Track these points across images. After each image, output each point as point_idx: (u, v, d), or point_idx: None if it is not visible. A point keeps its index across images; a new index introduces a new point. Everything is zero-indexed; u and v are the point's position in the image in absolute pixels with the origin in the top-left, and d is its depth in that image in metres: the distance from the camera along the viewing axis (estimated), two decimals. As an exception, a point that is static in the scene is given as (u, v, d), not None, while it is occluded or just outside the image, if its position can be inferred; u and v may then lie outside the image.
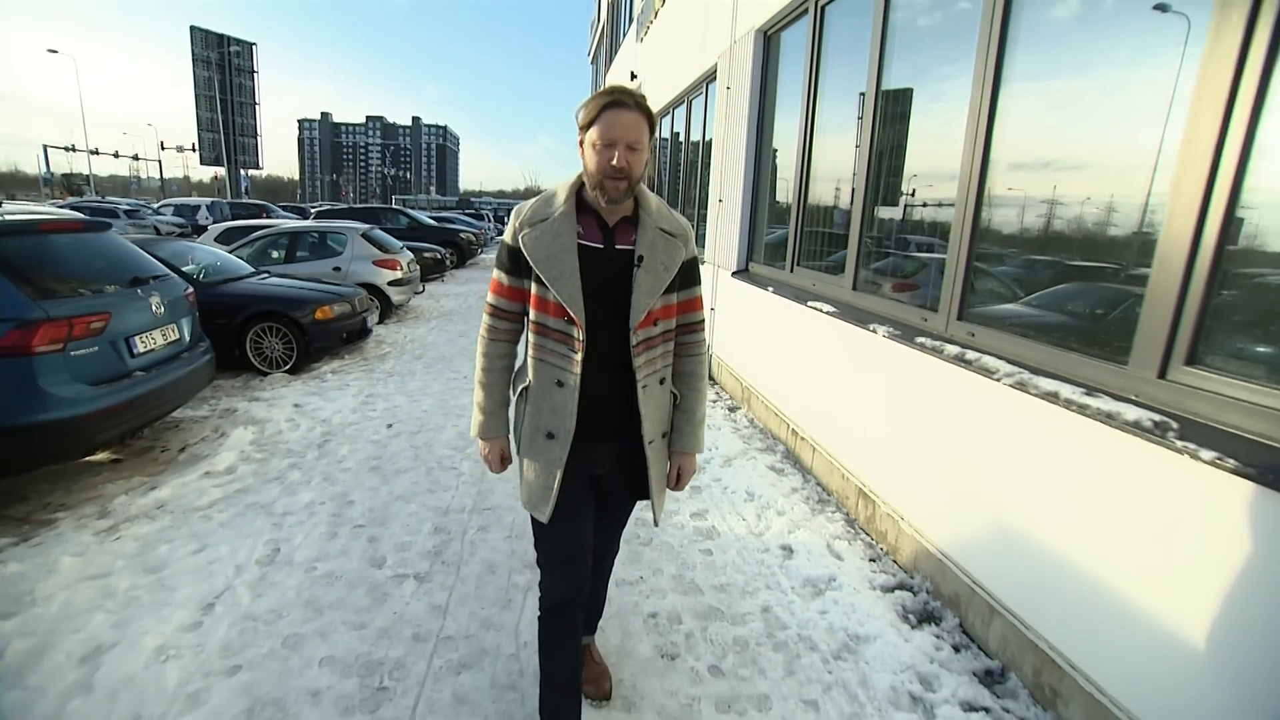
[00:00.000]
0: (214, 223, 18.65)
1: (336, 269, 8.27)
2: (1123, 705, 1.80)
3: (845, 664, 2.26)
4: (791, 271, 4.50)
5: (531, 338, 1.61)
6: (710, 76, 6.52)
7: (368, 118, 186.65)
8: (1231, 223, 1.66)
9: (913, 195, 3.27)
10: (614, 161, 1.44)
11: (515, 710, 1.99)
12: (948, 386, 2.58)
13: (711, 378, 5.65)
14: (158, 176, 55.84)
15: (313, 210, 18.46)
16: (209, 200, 24.73)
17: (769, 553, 2.96)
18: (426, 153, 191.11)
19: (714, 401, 5.10)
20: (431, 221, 17.58)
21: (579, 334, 1.52)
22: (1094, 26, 2.25)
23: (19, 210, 3.62)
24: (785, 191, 4.77)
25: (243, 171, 41.31)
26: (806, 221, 4.40)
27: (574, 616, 1.72)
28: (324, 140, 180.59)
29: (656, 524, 1.81)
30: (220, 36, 38.25)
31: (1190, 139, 1.72)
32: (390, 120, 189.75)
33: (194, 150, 42.98)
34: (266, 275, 6.81)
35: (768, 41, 5.07)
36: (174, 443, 4.12)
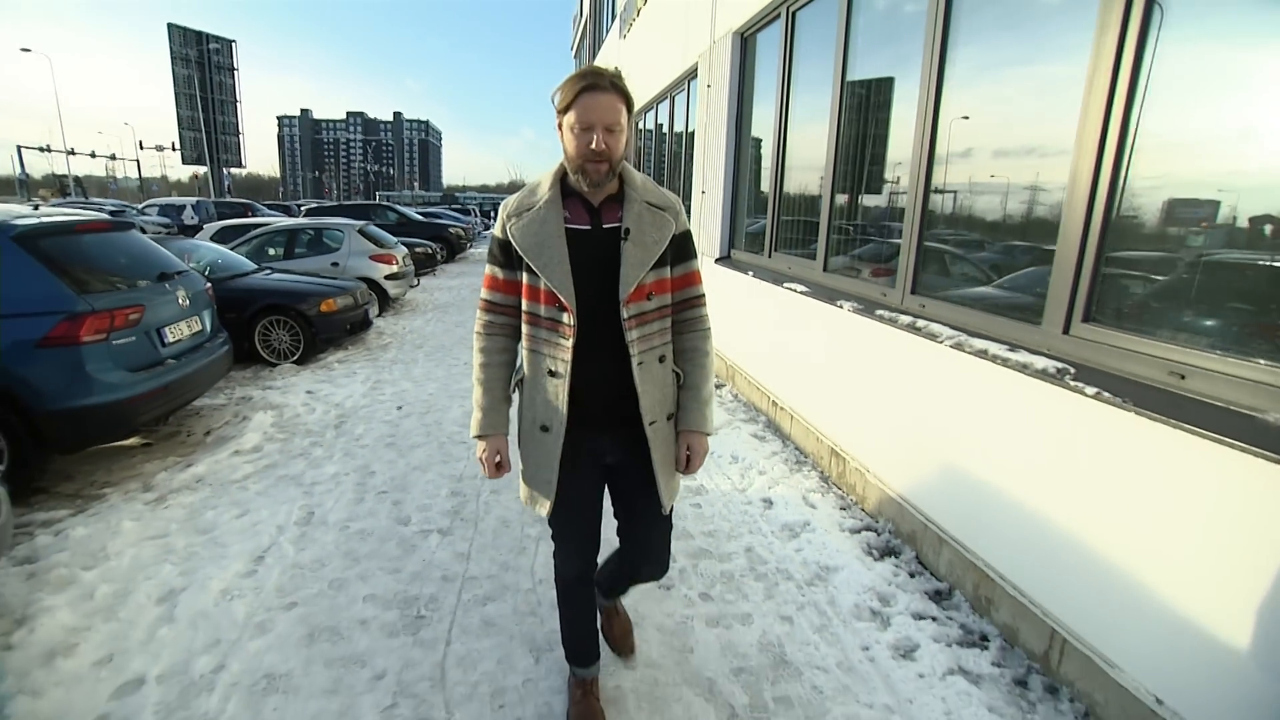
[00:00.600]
0: (199, 222, 18.73)
1: (335, 264, 8.54)
2: (1038, 603, 2.19)
3: (816, 589, 2.64)
4: (770, 257, 4.87)
5: (525, 329, 1.61)
6: (692, 74, 6.85)
7: (348, 114, 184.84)
8: (1114, 207, 2.03)
9: (874, 185, 3.64)
10: (593, 145, 1.43)
11: (535, 630, 2.35)
12: (902, 352, 2.95)
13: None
14: (135, 176, 55.20)
15: (302, 208, 18.61)
16: (194, 200, 24.68)
17: (751, 504, 3.33)
18: (409, 148, 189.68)
19: (701, 380, 5.47)
20: (419, 217, 17.80)
21: (569, 319, 1.51)
22: (1039, 22, 2.62)
23: (55, 212, 3.89)
24: (763, 182, 5.13)
25: (226, 170, 41.05)
26: (782, 210, 4.77)
27: (588, 585, 1.86)
28: (304, 137, 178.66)
29: (664, 509, 1.70)
30: (199, 34, 37.91)
31: (1082, 134, 2.09)
32: (371, 116, 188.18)
33: (174, 149, 42.61)
34: (270, 271, 7.08)
35: (745, 43, 5.41)
36: (199, 427, 4.42)
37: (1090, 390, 1.96)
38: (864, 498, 3.31)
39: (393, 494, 3.41)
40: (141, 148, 48.48)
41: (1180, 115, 1.91)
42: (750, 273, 4.89)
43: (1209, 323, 1.89)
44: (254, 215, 20.32)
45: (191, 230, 12.47)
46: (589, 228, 1.55)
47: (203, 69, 38.23)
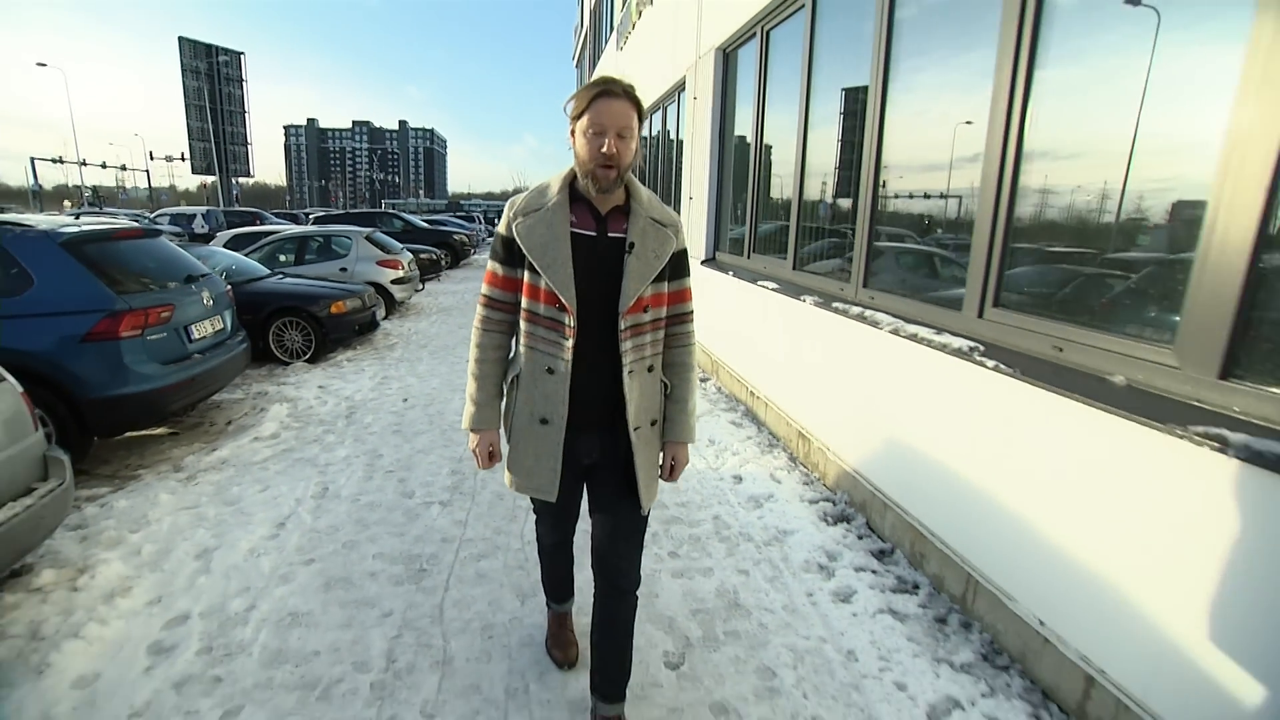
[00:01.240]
0: (209, 230, 19.21)
1: (343, 269, 8.94)
2: (959, 553, 2.53)
3: (772, 548, 2.98)
4: (748, 258, 5.22)
5: (523, 325, 1.63)
6: (680, 87, 7.22)
7: (354, 122, 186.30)
8: (1014, 207, 2.38)
9: (839, 190, 3.99)
10: (604, 149, 1.47)
11: (522, 581, 2.69)
12: (854, 339, 3.30)
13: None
14: (144, 186, 56.11)
15: (310, 216, 19.09)
16: (204, 209, 25.26)
17: (723, 481, 3.67)
18: (414, 156, 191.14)
19: (688, 375, 5.82)
20: (425, 224, 18.24)
21: (570, 320, 1.54)
22: (958, 45, 2.97)
23: (93, 221, 4.28)
24: (744, 188, 5.49)
25: (234, 180, 41.80)
26: (760, 214, 5.12)
27: (567, 550, 2.12)
28: (310, 146, 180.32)
29: (643, 512, 1.74)
30: (209, 47, 38.74)
31: (989, 145, 2.44)
32: (377, 125, 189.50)
33: (183, 160, 43.43)
34: (282, 276, 7.48)
35: (726, 58, 5.79)
36: (220, 419, 4.80)
37: (990, 364, 2.30)
38: (825, 474, 3.64)
39: (398, 473, 3.77)
40: (152, 158, 49.40)
41: (1059, 131, 2.26)
42: (731, 273, 5.25)
43: (1080, 304, 2.24)
44: (262, 224, 20.83)
45: (202, 238, 12.92)
46: (594, 234, 1.59)
47: (212, 81, 39.05)
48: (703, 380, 5.74)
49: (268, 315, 6.43)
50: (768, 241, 5.00)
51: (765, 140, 5.01)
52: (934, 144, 3.06)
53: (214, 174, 39.87)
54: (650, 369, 1.68)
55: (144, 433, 4.39)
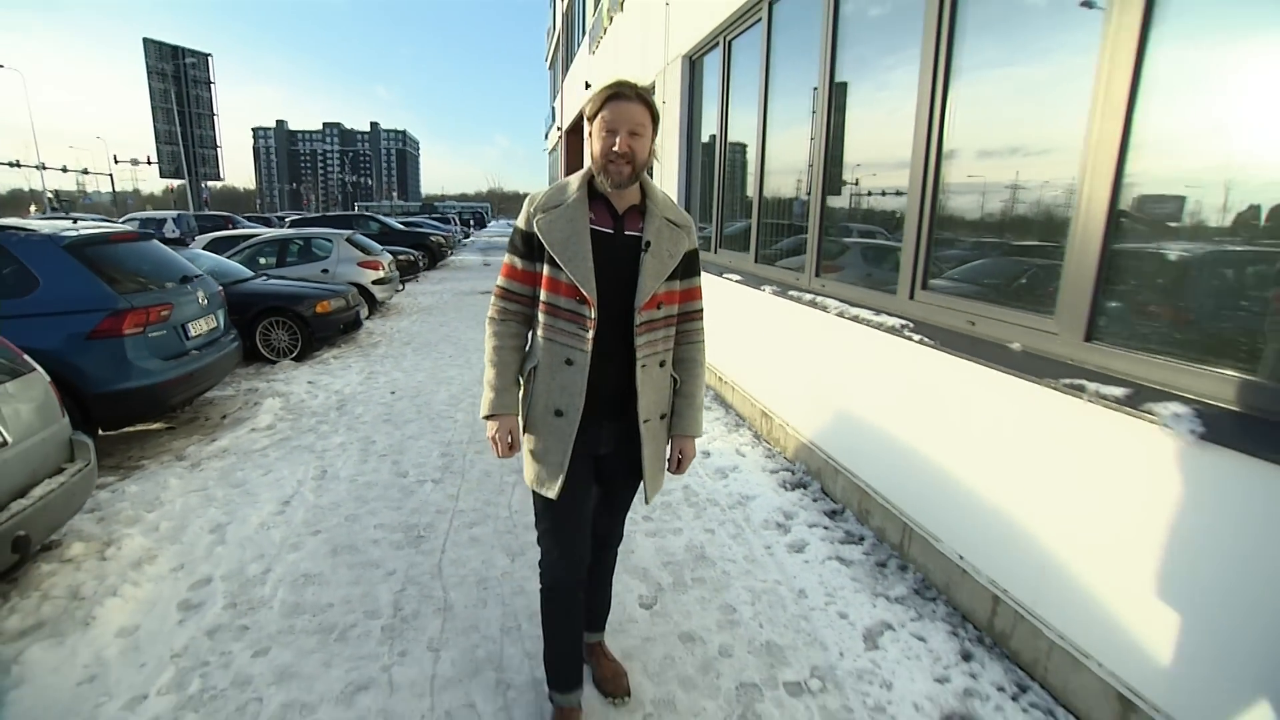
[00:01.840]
0: (180, 235, 19.05)
1: (324, 271, 9.11)
2: (897, 506, 2.89)
3: (736, 511, 3.32)
4: (715, 253, 5.57)
5: (541, 318, 1.66)
6: (650, 91, 7.55)
7: (325, 124, 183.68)
8: (937, 201, 2.74)
9: (795, 188, 4.34)
10: (616, 146, 1.53)
11: (511, 543, 2.99)
12: (807, 323, 3.65)
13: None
14: (107, 190, 54.79)
15: (286, 220, 19.05)
16: (175, 213, 24.94)
17: (693, 456, 4.01)
18: (386, 158, 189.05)
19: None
20: (401, 226, 18.32)
21: (591, 312, 1.59)
22: (891, 52, 3.33)
23: (90, 225, 4.47)
24: (711, 189, 5.83)
25: (204, 184, 41.18)
26: (725, 211, 5.47)
27: (573, 593, 1.82)
28: (280, 148, 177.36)
29: (647, 501, 1.82)
30: (174, 48, 38.10)
31: (914, 149, 2.80)
32: (348, 126, 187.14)
33: (149, 163, 42.60)
34: (266, 278, 7.65)
35: (692, 65, 6.13)
36: (215, 413, 5.01)
37: (916, 338, 2.66)
38: (785, 447, 4.00)
39: (391, 456, 4.04)
40: (116, 161, 48.37)
41: (972, 135, 2.62)
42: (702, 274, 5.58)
43: (988, 285, 2.61)
44: (234, 227, 20.68)
45: (174, 243, 12.89)
46: (611, 231, 1.64)
47: (179, 83, 38.40)
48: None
49: (254, 315, 6.61)
50: (732, 238, 5.35)
51: (729, 143, 5.36)
52: (877, 145, 3.43)
53: (183, 177, 39.22)
54: (662, 364, 1.73)
55: (143, 428, 4.59)
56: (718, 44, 5.37)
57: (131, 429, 4.50)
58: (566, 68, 18.44)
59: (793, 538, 3.03)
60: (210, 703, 2.00)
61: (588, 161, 1.65)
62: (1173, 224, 1.88)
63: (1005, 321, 2.37)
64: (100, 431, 4.06)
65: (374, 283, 9.41)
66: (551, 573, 1.81)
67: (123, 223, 24.06)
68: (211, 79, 40.29)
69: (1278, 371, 1.57)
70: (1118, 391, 1.82)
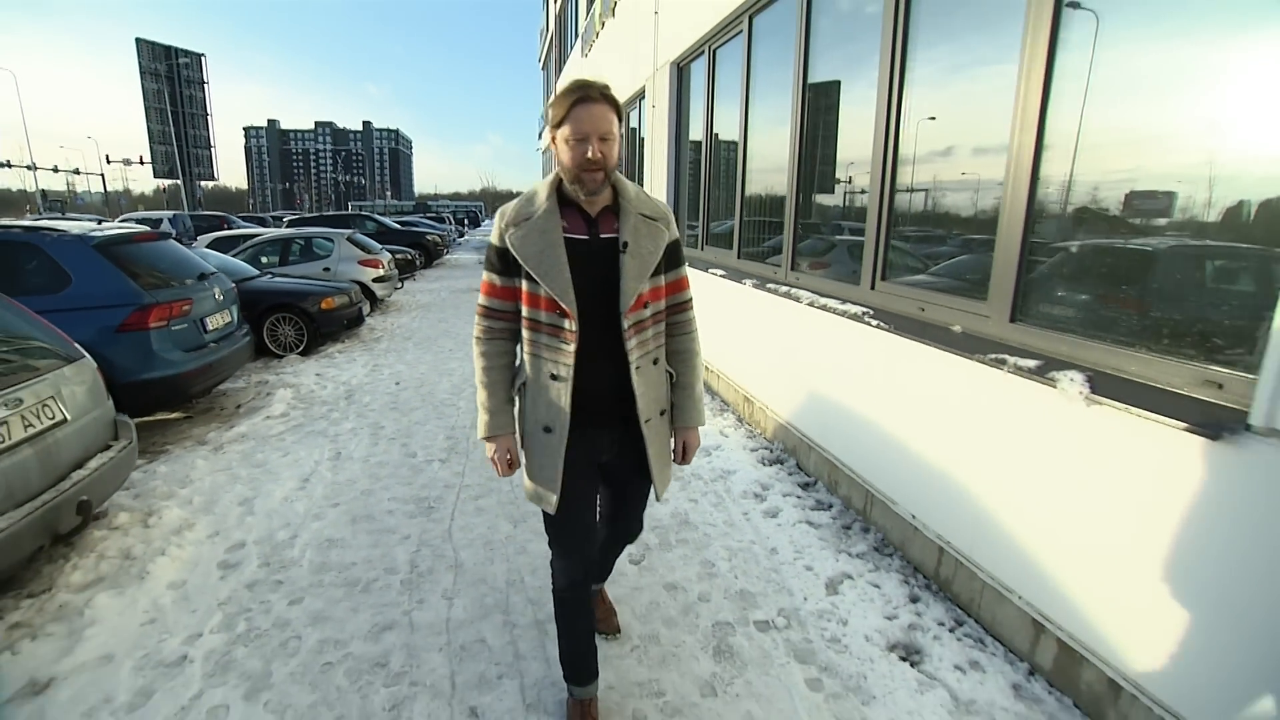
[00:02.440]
0: (177, 235, 19.25)
1: (326, 269, 9.39)
2: (862, 476, 3.21)
3: (718, 483, 3.64)
4: (702, 250, 5.89)
5: (525, 334, 1.65)
6: (641, 95, 7.86)
7: (317, 123, 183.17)
8: (894, 201, 3.07)
9: (776, 188, 4.66)
10: (589, 155, 1.48)
11: (514, 512, 3.31)
12: (783, 313, 3.98)
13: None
14: (98, 190, 54.62)
15: (284, 220, 19.26)
16: (171, 214, 25.08)
17: (680, 437, 4.33)
18: (379, 157, 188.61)
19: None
20: (397, 226, 18.57)
21: (571, 325, 1.56)
22: (857, 66, 3.65)
23: (113, 226, 4.75)
24: (698, 188, 6.15)
25: (198, 183, 41.23)
26: (710, 210, 5.79)
27: (585, 592, 1.86)
28: (272, 148, 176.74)
29: (658, 499, 1.84)
30: (167, 48, 38.07)
31: (874, 150, 3.12)
32: (340, 125, 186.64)
33: (142, 163, 42.60)
34: (271, 276, 7.93)
35: (680, 71, 6.44)
36: (229, 404, 5.30)
37: (874, 323, 2.99)
38: (765, 428, 4.33)
39: (400, 439, 4.35)
40: (109, 161, 48.26)
41: (926, 136, 2.95)
42: (687, 263, 5.90)
43: (933, 272, 2.94)
44: (229, 227, 20.88)
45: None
46: (586, 238, 1.60)
47: (172, 83, 38.37)
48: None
49: (262, 312, 6.89)
50: (718, 235, 5.67)
51: (714, 145, 5.67)
52: (844, 148, 3.75)
53: (177, 177, 39.27)
54: (655, 361, 1.71)
55: (163, 417, 4.88)
56: (703, 52, 5.68)
57: (152, 418, 4.79)
58: (559, 69, 18.71)
59: (768, 505, 3.36)
60: (256, 640, 2.31)
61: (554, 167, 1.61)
62: (1074, 220, 2.21)
63: (949, 307, 2.70)
64: (127, 419, 4.35)
65: (374, 280, 9.69)
66: (561, 578, 1.83)
67: (119, 223, 24.31)
68: (205, 79, 40.31)
69: (1146, 343, 1.90)
70: (1031, 363, 2.15)
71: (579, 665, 1.92)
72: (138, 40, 36.27)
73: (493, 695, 2.06)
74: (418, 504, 3.40)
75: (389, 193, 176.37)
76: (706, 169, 5.78)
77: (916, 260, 3.11)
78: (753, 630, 2.41)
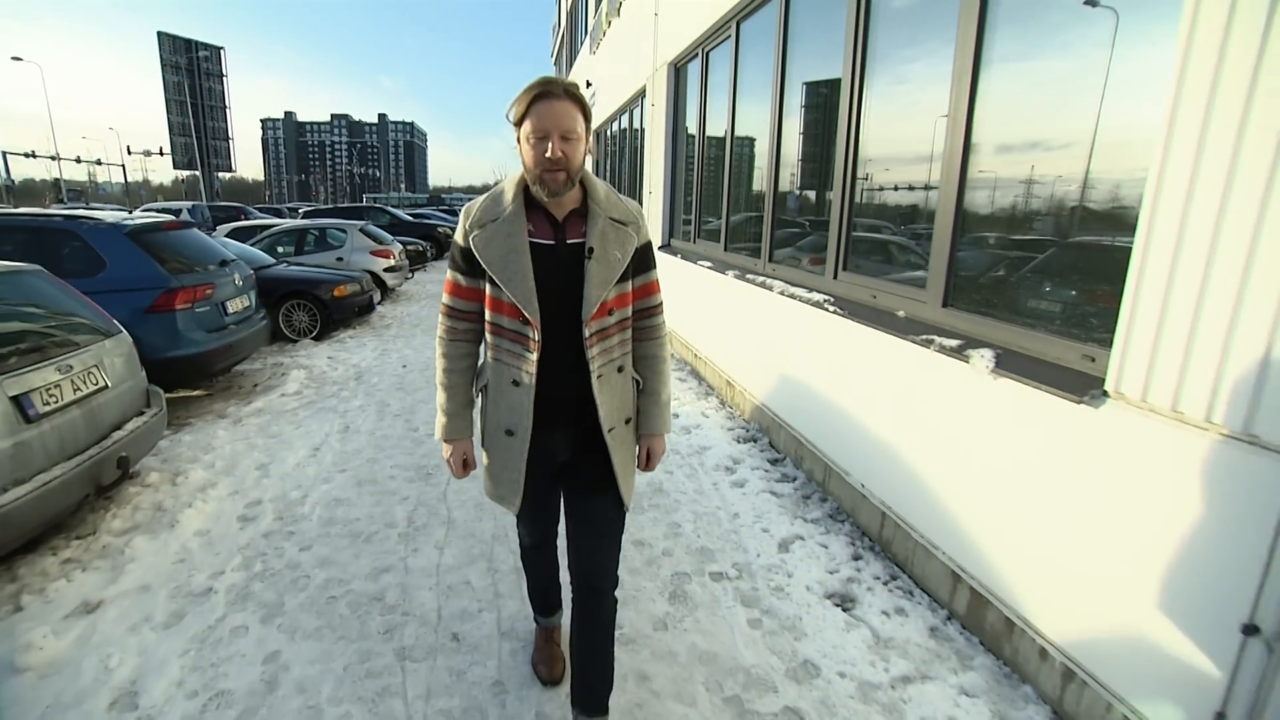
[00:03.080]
0: (196, 225, 19.75)
1: (339, 259, 9.76)
2: (822, 450, 3.50)
3: (693, 458, 3.94)
4: (694, 243, 6.18)
5: (488, 338, 1.62)
6: (642, 94, 8.13)
7: (333, 116, 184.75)
8: (854, 199, 3.34)
9: (756, 184, 4.94)
10: (548, 154, 1.42)
11: (505, 480, 3.62)
12: (758, 301, 4.26)
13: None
14: (118, 181, 55.65)
15: (301, 211, 19.75)
16: (190, 204, 25.68)
17: (664, 417, 4.63)
18: (394, 149, 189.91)
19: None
20: (410, 218, 18.99)
21: (534, 334, 1.53)
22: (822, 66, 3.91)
23: (142, 215, 5.11)
24: (691, 184, 6.43)
25: (215, 175, 42.03)
26: (703, 205, 6.08)
27: (549, 549, 2.07)
28: (289, 140, 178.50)
29: (625, 506, 1.76)
30: (188, 42, 38.88)
31: (837, 151, 3.40)
32: (356, 118, 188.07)
33: (161, 154, 43.44)
34: (287, 264, 8.31)
35: (677, 72, 6.71)
36: (246, 383, 5.67)
37: (832, 309, 3.27)
38: (743, 410, 4.62)
39: (404, 416, 4.69)
40: (130, 152, 49.27)
41: (886, 138, 3.22)
42: (680, 255, 6.20)
43: (885, 265, 3.22)
44: (246, 218, 21.39)
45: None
46: (552, 243, 1.55)
47: (193, 76, 39.21)
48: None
49: (278, 298, 7.26)
50: (708, 229, 5.96)
51: (705, 143, 5.95)
52: (817, 147, 4.02)
53: (196, 168, 40.09)
54: (620, 369, 1.66)
55: (185, 394, 5.25)
56: (698, 54, 5.95)
57: (176, 394, 5.16)
58: (570, 64, 18.98)
59: (737, 477, 3.66)
60: (271, 577, 2.65)
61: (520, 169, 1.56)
62: (990, 219, 2.49)
63: (895, 295, 2.98)
64: (154, 393, 4.72)
65: (385, 270, 10.06)
66: (527, 538, 2.04)
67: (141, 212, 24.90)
68: (224, 72, 41.10)
69: (1044, 325, 2.18)
70: (954, 343, 2.43)
71: (545, 599, 2.15)
72: (159, 34, 37.00)
73: (473, 624, 2.38)
74: (417, 471, 3.73)
75: (403, 185, 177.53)
76: (699, 166, 6.06)
77: (870, 252, 3.38)
78: (707, 580, 2.71)
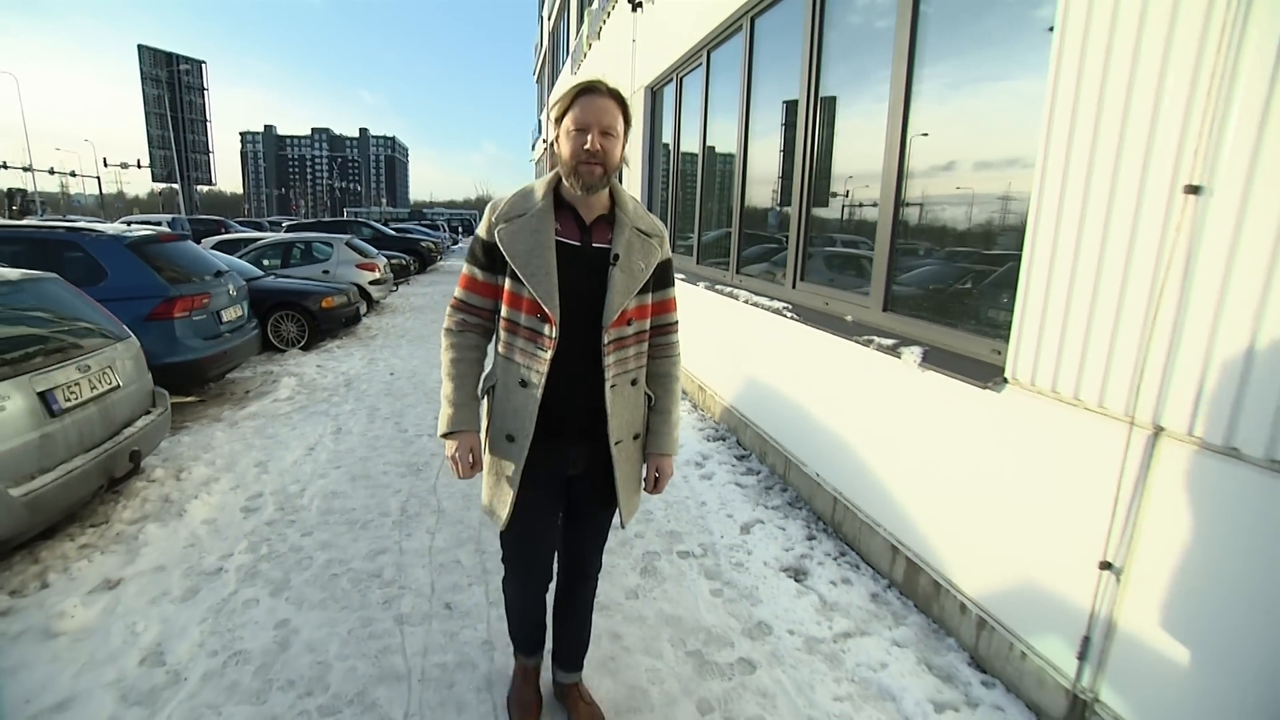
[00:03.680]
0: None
1: (325, 272, 9.96)
2: (785, 446, 3.82)
3: (667, 455, 4.24)
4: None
5: (501, 335, 1.59)
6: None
7: (313, 130, 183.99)
8: (812, 212, 3.70)
9: (726, 200, 5.29)
10: (587, 145, 1.43)
11: (490, 475, 3.89)
12: (726, 310, 4.60)
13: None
14: (92, 193, 55.01)
15: (283, 226, 19.82)
16: (170, 217, 25.61)
17: (640, 419, 4.93)
18: (375, 164, 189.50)
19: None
20: (393, 232, 19.20)
21: (551, 331, 1.50)
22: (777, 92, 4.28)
23: (139, 228, 5.32)
24: (666, 201, 6.79)
25: (195, 188, 41.83)
26: (678, 221, 6.43)
27: (538, 610, 1.88)
28: (269, 153, 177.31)
29: (623, 526, 1.77)
30: (169, 55, 38.81)
31: (797, 169, 3.75)
32: (337, 132, 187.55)
33: (140, 167, 43.16)
34: (274, 276, 8.50)
35: (654, 95, 7.10)
36: (238, 390, 5.86)
37: (790, 315, 3.61)
38: (714, 412, 4.93)
39: (394, 418, 4.94)
40: (106, 165, 48.79)
41: (841, 157, 3.58)
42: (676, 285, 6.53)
43: (836, 275, 3.57)
44: (227, 231, 21.44)
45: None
46: (578, 244, 1.55)
47: (173, 89, 39.12)
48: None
49: (267, 309, 7.45)
50: (682, 243, 6.30)
51: (681, 162, 6.32)
52: (776, 167, 4.39)
53: (175, 181, 39.89)
54: (634, 382, 1.64)
55: (179, 400, 5.43)
56: (672, 79, 6.33)
57: (171, 400, 5.34)
58: (553, 83, 19.43)
59: (705, 470, 3.96)
60: (276, 559, 2.89)
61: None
62: (922, 233, 2.84)
63: (845, 301, 3.33)
64: (151, 398, 4.91)
65: (371, 283, 10.27)
66: (511, 600, 1.85)
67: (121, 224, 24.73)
68: (205, 85, 41.03)
69: (963, 324, 2.52)
70: (890, 342, 2.77)
71: (528, 637, 1.96)
72: (140, 47, 36.93)
73: (463, 595, 2.65)
74: (408, 467, 3.98)
75: (385, 199, 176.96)
76: (674, 184, 6.42)
77: (824, 263, 3.74)
78: (675, 557, 3.00)
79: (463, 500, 3.52)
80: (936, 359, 2.50)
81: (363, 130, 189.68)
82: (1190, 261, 1.55)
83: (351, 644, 2.33)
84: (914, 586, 2.65)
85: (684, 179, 6.27)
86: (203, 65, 40.19)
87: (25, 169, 45.05)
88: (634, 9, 7.20)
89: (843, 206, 3.57)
